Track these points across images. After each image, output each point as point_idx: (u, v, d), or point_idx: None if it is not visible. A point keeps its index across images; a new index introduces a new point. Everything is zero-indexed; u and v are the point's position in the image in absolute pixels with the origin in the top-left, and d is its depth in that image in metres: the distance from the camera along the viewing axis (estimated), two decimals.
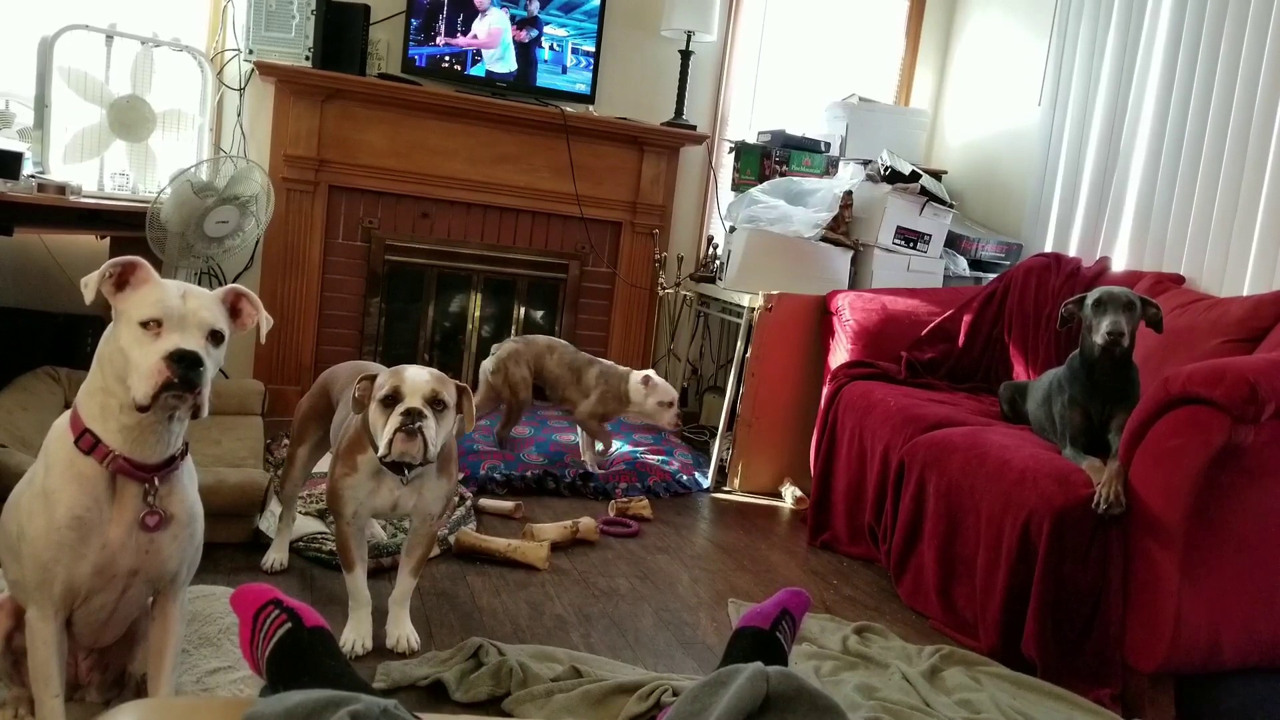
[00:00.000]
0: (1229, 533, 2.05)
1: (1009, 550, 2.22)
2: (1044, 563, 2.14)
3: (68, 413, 1.33)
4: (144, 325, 1.25)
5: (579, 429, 3.36)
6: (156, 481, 1.30)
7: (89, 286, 1.29)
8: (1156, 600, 2.04)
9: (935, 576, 2.47)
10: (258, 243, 3.55)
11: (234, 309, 1.39)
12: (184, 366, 1.23)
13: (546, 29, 3.84)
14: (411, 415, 1.79)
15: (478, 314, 4.00)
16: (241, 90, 3.58)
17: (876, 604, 2.57)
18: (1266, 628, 2.09)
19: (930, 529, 2.51)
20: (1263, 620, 2.09)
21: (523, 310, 4.06)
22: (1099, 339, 2.30)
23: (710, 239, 4.20)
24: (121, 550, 1.29)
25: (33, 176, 2.82)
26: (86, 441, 1.28)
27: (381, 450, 1.81)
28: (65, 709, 1.39)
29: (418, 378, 1.84)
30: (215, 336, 1.30)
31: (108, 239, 3.27)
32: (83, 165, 3.10)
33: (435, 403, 1.83)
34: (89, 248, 3.39)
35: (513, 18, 3.79)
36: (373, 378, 1.89)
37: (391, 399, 1.82)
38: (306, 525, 2.49)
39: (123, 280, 1.29)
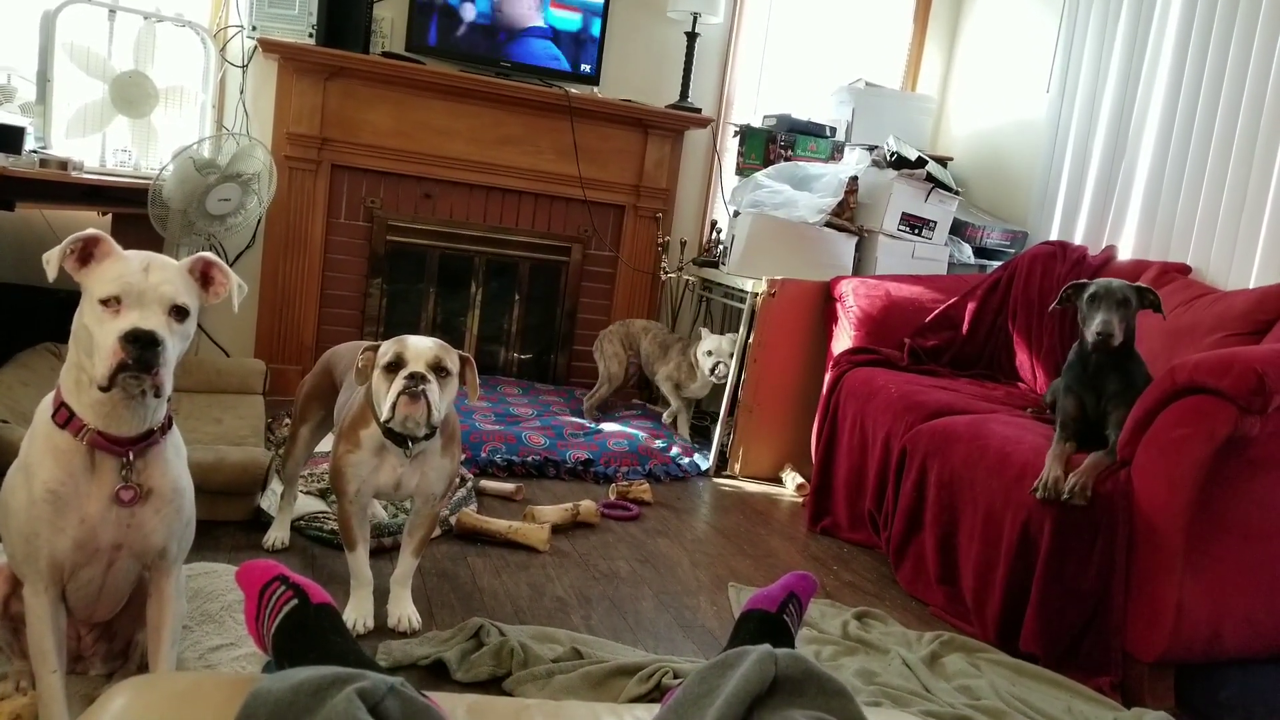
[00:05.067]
0: (1232, 524, 2.05)
1: (1008, 547, 2.22)
2: (1045, 564, 2.13)
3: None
4: (104, 303, 1.22)
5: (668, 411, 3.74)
6: (131, 456, 1.28)
7: (50, 263, 1.25)
8: (1158, 591, 2.04)
9: (935, 565, 2.47)
10: (260, 221, 3.53)
11: (205, 277, 1.35)
12: (139, 347, 1.19)
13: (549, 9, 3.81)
14: (415, 379, 1.79)
15: (479, 296, 3.99)
16: (244, 67, 3.56)
17: (877, 590, 2.57)
18: (1268, 619, 2.09)
19: (930, 518, 2.50)
20: (1264, 611, 2.09)
21: (524, 292, 4.05)
22: (1089, 336, 2.30)
23: (714, 223, 4.18)
24: (101, 524, 1.27)
25: (35, 152, 2.81)
26: (62, 415, 1.27)
27: (385, 414, 1.81)
28: (67, 682, 1.39)
29: (421, 344, 1.85)
30: (179, 312, 1.25)
31: (110, 215, 3.25)
32: (85, 141, 3.09)
33: (438, 369, 1.84)
34: (91, 224, 3.36)
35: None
36: (376, 348, 1.89)
37: (395, 365, 1.82)
38: (308, 504, 2.49)
39: (86, 255, 1.26)
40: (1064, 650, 2.16)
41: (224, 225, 3.14)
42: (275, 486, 2.47)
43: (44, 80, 2.96)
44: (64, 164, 2.77)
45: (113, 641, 1.49)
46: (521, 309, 4.06)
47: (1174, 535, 2.01)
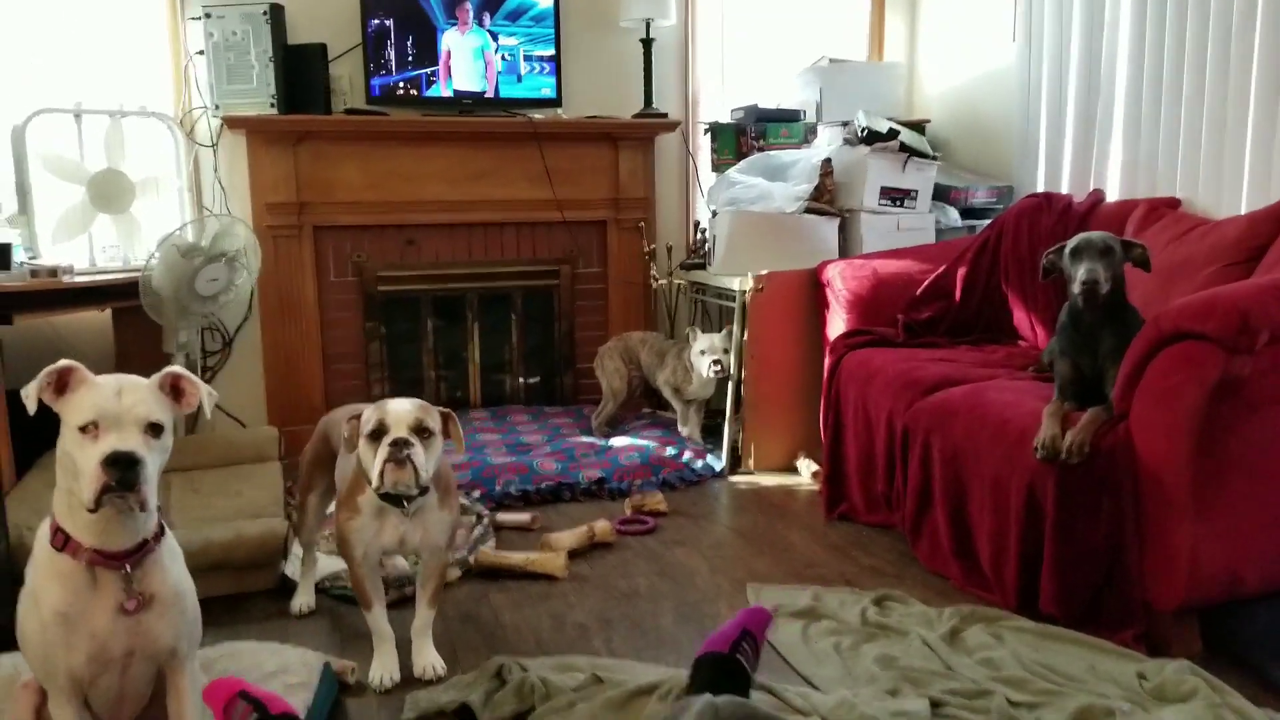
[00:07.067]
0: (1237, 465, 2.03)
1: (1017, 512, 2.22)
2: (1054, 523, 2.13)
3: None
4: (83, 429, 1.29)
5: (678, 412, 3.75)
6: (128, 568, 1.34)
7: (29, 398, 1.33)
8: (1170, 540, 2.03)
9: (949, 539, 2.48)
10: (253, 293, 3.60)
11: (175, 389, 1.42)
12: (120, 469, 1.26)
13: (499, 40, 3.84)
14: (399, 445, 1.85)
15: (477, 330, 4.05)
16: (214, 146, 3.63)
17: (898, 571, 2.58)
18: None
19: (939, 493, 2.51)
20: (1278, 546, 2.07)
21: (520, 320, 4.10)
22: (1075, 288, 2.28)
23: (697, 224, 4.20)
24: (111, 636, 1.34)
25: (24, 263, 2.90)
26: (59, 539, 1.33)
27: (375, 483, 1.87)
28: None
29: (400, 409, 1.89)
30: (154, 429, 1.33)
31: (108, 310, 3.33)
32: (72, 244, 3.17)
33: (421, 430, 1.88)
34: (93, 321, 3.46)
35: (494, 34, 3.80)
36: (359, 416, 1.94)
37: (378, 432, 1.87)
38: (329, 565, 2.54)
39: (61, 385, 1.33)
40: (1084, 609, 2.16)
41: (217, 304, 3.21)
42: (298, 550, 2.53)
43: (23, 192, 3.04)
44: (54, 271, 2.85)
45: None
46: (519, 336, 4.10)
47: (1179, 484, 2.00)
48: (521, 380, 4.15)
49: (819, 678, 2.01)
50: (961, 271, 3.32)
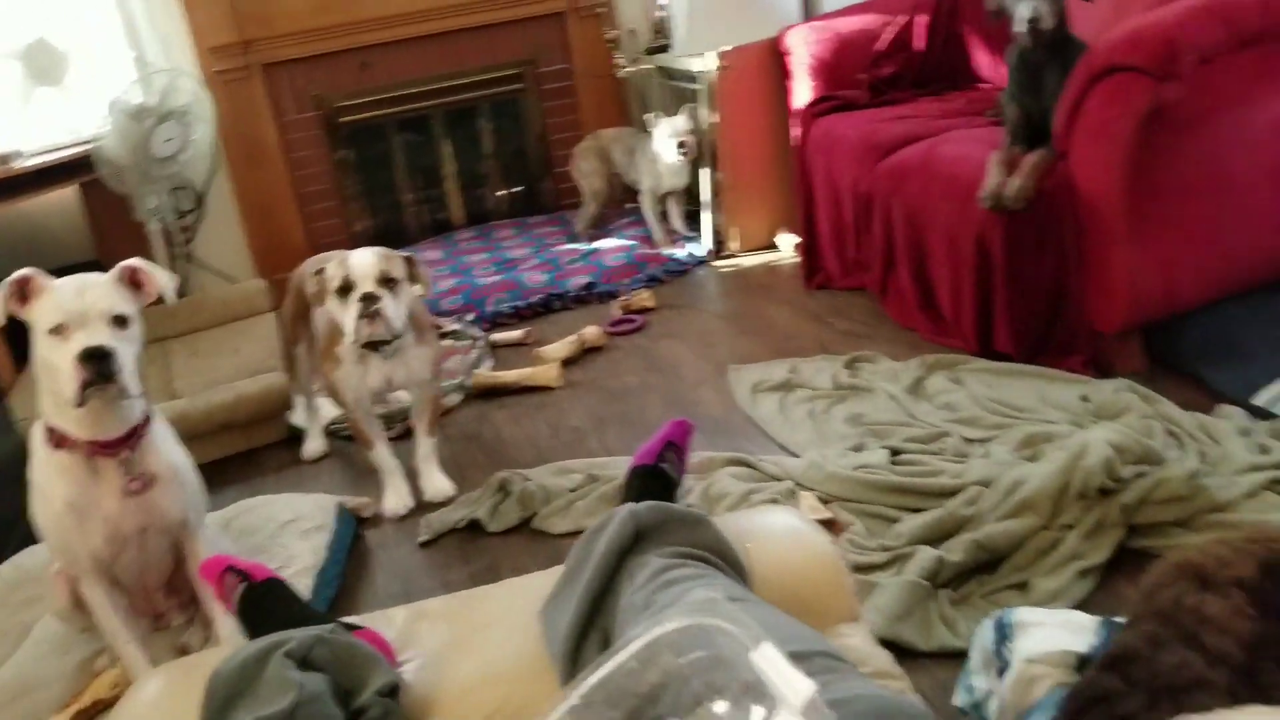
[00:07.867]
0: (1171, 186, 2.07)
1: (969, 261, 2.29)
2: (1003, 267, 2.21)
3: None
4: (52, 332, 1.36)
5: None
6: (124, 453, 1.45)
7: None
8: (1110, 267, 2.11)
9: (914, 295, 2.57)
10: (214, 144, 3.56)
11: (134, 282, 1.47)
12: (95, 362, 1.33)
13: None
14: (367, 300, 1.92)
15: (449, 149, 4.00)
16: None
17: (871, 331, 2.68)
18: (1216, 263, 2.16)
19: (902, 253, 2.58)
20: (1211, 257, 2.15)
21: (492, 130, 4.04)
22: (1019, 28, 2.21)
23: (658, 3, 4.01)
24: (122, 517, 1.46)
25: None
26: (54, 438, 1.43)
27: (350, 338, 1.96)
28: (155, 637, 1.66)
29: (363, 261, 1.94)
30: (120, 320, 1.39)
31: (73, 187, 3.32)
32: (17, 127, 3.11)
33: (387, 281, 1.94)
34: (61, 201, 3.44)
35: None
36: (324, 271, 1.99)
37: (345, 288, 1.94)
38: (333, 410, 2.66)
39: (24, 294, 1.39)
40: (1036, 343, 2.29)
41: (177, 163, 3.20)
42: (301, 400, 2.66)
43: None
44: (4, 159, 2.84)
45: (180, 594, 1.71)
46: (494, 147, 4.06)
47: (1116, 213, 2.06)
48: (504, 195, 4.14)
49: (794, 443, 2.17)
50: (923, 21, 3.19)
